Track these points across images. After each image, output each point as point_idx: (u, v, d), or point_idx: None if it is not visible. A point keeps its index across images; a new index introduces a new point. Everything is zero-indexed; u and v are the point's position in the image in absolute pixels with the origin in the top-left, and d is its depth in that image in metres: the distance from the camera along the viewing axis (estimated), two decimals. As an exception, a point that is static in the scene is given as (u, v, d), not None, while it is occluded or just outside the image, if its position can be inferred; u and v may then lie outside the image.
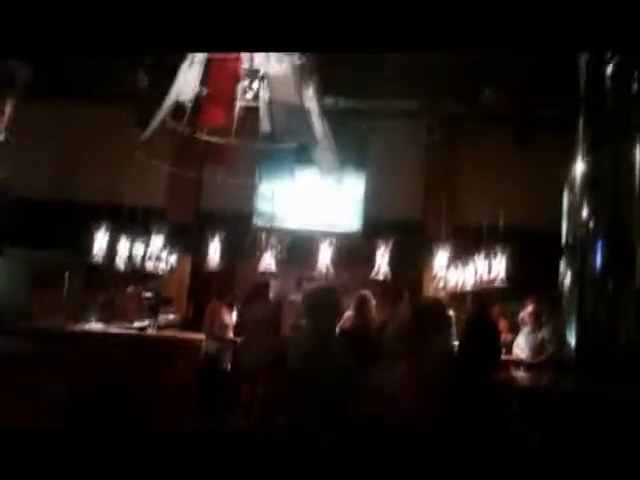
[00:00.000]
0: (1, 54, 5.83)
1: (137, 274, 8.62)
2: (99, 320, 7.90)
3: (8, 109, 7.71)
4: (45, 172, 10.24)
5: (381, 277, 7.48)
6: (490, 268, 6.92)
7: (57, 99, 9.47)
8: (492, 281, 6.84)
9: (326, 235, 8.44)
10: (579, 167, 6.46)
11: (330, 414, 3.31)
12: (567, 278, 6.49)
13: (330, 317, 3.44)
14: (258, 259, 8.08)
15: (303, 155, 5.67)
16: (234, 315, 7.03)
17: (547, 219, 7.37)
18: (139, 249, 8.21)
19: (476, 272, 7.27)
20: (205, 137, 5.13)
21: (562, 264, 6.59)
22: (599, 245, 6.32)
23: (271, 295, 6.67)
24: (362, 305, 5.99)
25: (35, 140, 9.94)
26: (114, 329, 7.42)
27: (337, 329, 4.00)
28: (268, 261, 8.03)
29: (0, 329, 7.58)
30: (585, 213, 6.34)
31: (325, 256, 7.85)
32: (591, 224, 6.31)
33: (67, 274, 9.31)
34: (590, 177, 6.34)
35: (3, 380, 6.48)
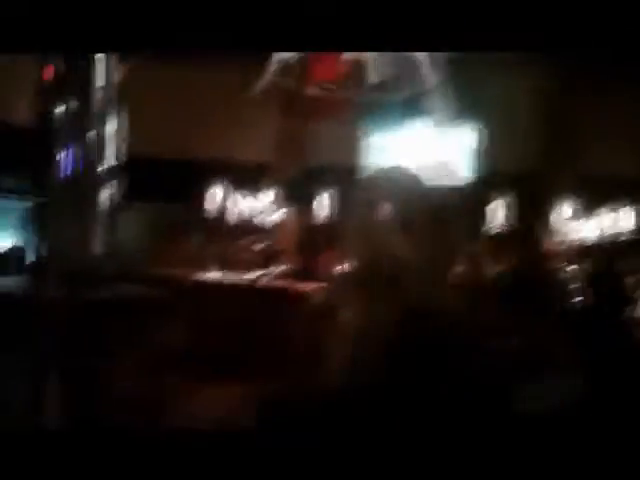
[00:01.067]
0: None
1: (250, 227, 8.85)
2: (215, 270, 8.20)
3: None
4: (162, 131, 10.63)
5: (497, 230, 7.21)
6: (616, 221, 6.49)
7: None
8: (618, 235, 6.42)
9: (439, 186, 8.20)
10: None
11: None
12: None
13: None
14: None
15: (415, 105, 5.48)
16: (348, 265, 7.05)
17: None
18: (252, 203, 8.40)
19: (601, 225, 6.85)
20: (313, 91, 5.07)
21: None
22: None
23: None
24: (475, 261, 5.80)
25: (152, 100, 10.32)
26: (229, 279, 7.66)
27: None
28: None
29: (125, 278, 8.06)
30: None
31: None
32: None
33: (185, 227, 9.71)
34: None
35: (131, 324, 6.90)
